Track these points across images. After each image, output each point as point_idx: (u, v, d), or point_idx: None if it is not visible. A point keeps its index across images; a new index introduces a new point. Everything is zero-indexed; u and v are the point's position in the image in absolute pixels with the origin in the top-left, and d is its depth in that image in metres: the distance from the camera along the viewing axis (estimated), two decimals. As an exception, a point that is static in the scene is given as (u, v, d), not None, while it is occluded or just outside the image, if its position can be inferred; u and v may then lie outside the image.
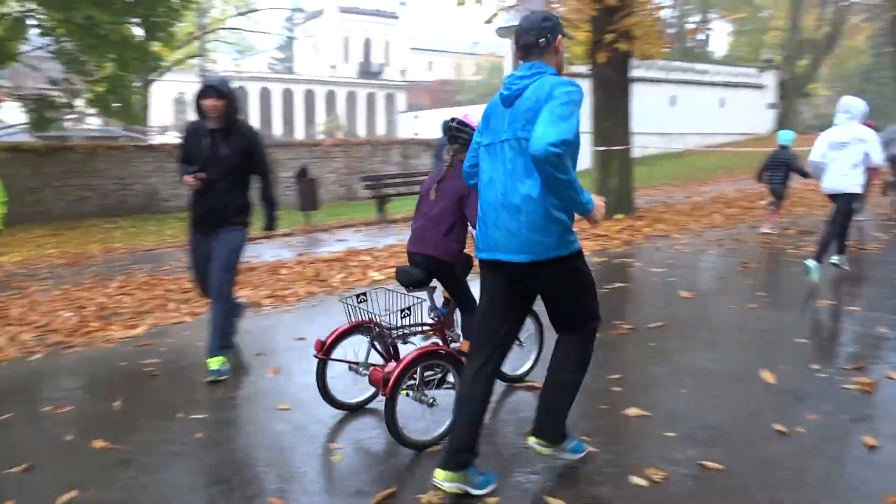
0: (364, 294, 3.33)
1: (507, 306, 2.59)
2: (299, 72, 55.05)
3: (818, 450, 2.93)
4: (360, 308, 3.24)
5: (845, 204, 6.00)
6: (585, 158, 22.40)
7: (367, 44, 57.87)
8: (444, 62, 61.73)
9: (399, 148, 20.98)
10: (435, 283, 3.40)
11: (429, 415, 3.20)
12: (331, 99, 51.66)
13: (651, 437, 3.11)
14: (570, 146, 2.26)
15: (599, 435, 3.13)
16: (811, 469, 2.76)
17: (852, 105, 6.07)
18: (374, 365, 3.28)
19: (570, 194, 2.33)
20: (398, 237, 9.75)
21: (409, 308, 3.19)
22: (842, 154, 5.93)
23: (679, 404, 3.46)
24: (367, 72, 56.13)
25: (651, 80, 29.46)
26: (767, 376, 3.77)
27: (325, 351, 3.29)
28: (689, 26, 40.13)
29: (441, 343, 3.43)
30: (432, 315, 3.47)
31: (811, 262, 5.93)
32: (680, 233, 9.33)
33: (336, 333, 3.31)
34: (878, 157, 5.95)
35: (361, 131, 50.29)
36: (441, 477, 2.51)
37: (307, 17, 57.92)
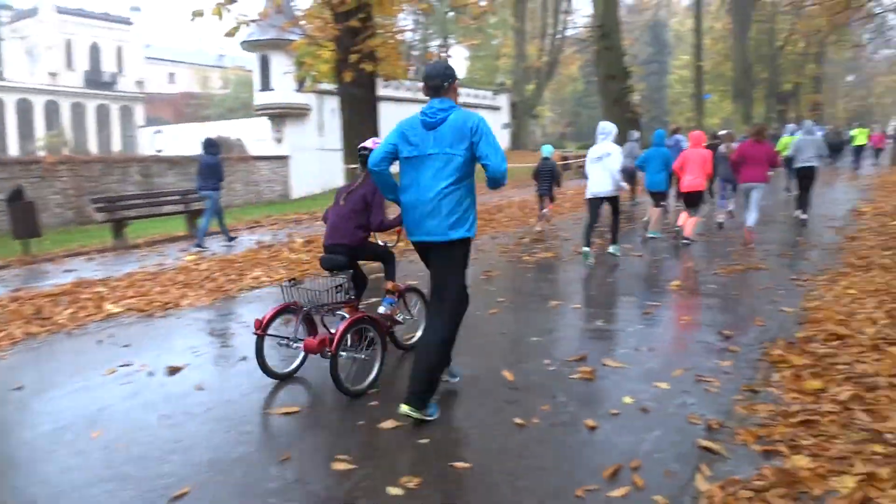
0: (295, 279, 4.17)
1: (432, 269, 3.54)
2: (11, 78, 47.91)
3: (550, 436, 3.28)
4: (295, 289, 4.01)
5: (614, 203, 7.91)
6: (337, 176, 22.39)
7: (96, 50, 52.33)
8: (186, 74, 58.16)
9: (139, 166, 19.28)
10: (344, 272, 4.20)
11: (358, 368, 4.03)
12: (52, 110, 45.71)
13: (405, 447, 3.23)
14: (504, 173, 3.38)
15: (356, 451, 3.18)
16: (545, 454, 3.09)
17: (607, 127, 7.84)
18: (302, 339, 3.97)
19: (498, 183, 3.41)
20: (140, 263, 8.94)
21: (340, 286, 4.08)
22: (598, 166, 7.73)
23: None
24: (97, 81, 50.69)
25: (400, 100, 30.79)
26: (508, 375, 4.13)
27: (263, 328, 3.95)
28: (431, 50, 42.72)
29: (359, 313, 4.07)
30: (350, 294, 4.19)
31: (587, 252, 7.82)
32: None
33: (271, 313, 3.99)
34: (618, 173, 7.67)
35: (92, 147, 45.24)
36: (406, 409, 3.35)
37: (16, 17, 50.72)
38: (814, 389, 3.69)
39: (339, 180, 19.38)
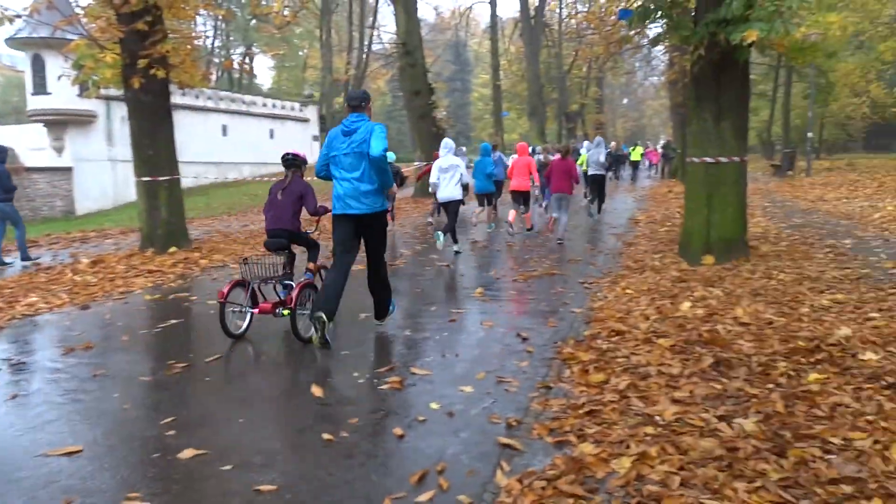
0: (247, 259, 5.53)
1: (349, 241, 5.07)
2: None
3: (359, 449, 3.28)
4: (247, 266, 5.46)
5: (455, 208, 9.77)
6: (130, 190, 20.64)
7: None
8: (-60, 72, 50.46)
9: None
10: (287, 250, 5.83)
11: (306, 321, 5.17)
12: None
13: (206, 475, 3.05)
14: (385, 154, 4.84)
15: (150, 487, 2.94)
16: (353, 467, 3.08)
17: (449, 143, 10.21)
18: (251, 306, 5.43)
19: (386, 177, 4.94)
20: None
21: (287, 264, 5.70)
22: (449, 176, 9.72)
23: (235, 435, 3.48)
24: None
25: (202, 109, 29.18)
26: (317, 391, 4.07)
27: (224, 298, 5.16)
28: (236, 58, 41.11)
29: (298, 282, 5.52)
30: (288, 269, 5.78)
31: (439, 234, 9.48)
32: (237, 262, 9.44)
33: (229, 286, 5.23)
34: (468, 178, 10.12)
35: None
36: (316, 336, 4.81)
37: None
38: (598, 382, 4.08)
39: (130, 195, 17.92)
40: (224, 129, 30.57)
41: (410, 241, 11.19)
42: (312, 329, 4.88)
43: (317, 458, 3.18)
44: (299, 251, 6.17)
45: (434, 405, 3.83)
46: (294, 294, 5.19)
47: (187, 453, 3.25)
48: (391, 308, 5.67)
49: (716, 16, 6.84)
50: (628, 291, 6.56)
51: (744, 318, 5.21)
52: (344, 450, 3.27)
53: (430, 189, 10.42)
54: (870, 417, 3.30)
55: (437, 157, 10.31)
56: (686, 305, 5.69)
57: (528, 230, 11.71)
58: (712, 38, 7.02)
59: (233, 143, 30.78)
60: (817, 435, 3.15)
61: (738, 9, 6.33)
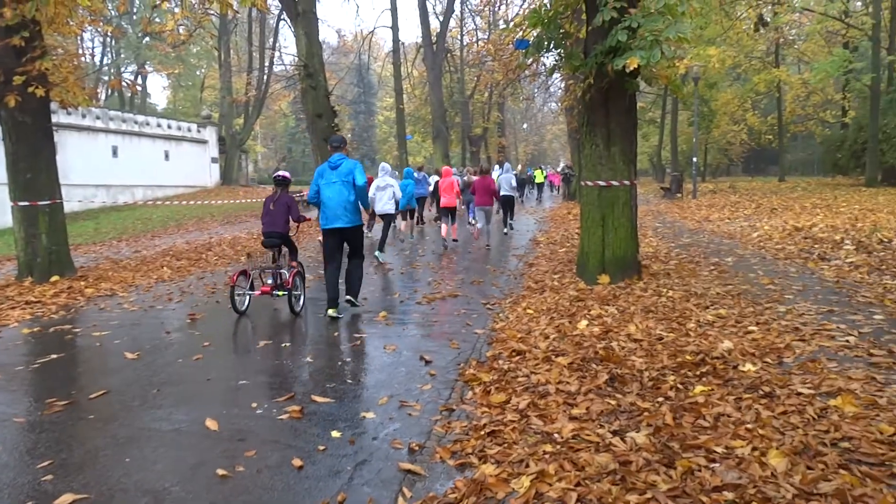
0: (250, 254, 10.73)
1: (338, 247, 6.90)
2: None
3: (256, 483, 3.16)
4: (254, 259, 9.88)
5: (388, 220, 11.98)
6: (7, 215, 19.46)
7: None
8: None
9: None
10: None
11: (298, 299, 7.27)
12: None
13: (87, 522, 2.85)
14: (366, 185, 6.94)
15: (22, 539, 2.71)
16: (249, 503, 2.97)
17: (386, 167, 12.24)
18: (252, 291, 7.42)
19: (364, 200, 6.92)
20: None
21: (280, 257, 7.59)
22: (384, 193, 11.91)
23: (121, 476, 3.28)
24: None
25: (90, 129, 27.70)
26: (212, 424, 3.91)
27: (234, 282, 7.02)
28: (127, 76, 39.38)
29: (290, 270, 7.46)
30: (281, 261, 7.65)
31: (378, 253, 11.28)
32: (127, 290, 8.97)
33: (236, 274, 7.10)
34: (399, 194, 12.10)
35: None
36: (332, 311, 6.77)
37: None
38: (499, 402, 4.14)
39: (8, 220, 16.67)
40: (114, 151, 29.13)
41: (314, 265, 11.01)
42: (329, 311, 6.90)
43: (211, 497, 3.04)
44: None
45: (335, 433, 3.75)
46: (290, 278, 7.19)
47: (65, 499, 3.02)
48: (357, 293, 7.29)
49: (603, 46, 7.21)
50: (529, 311, 6.72)
51: (636, 335, 5.45)
52: (240, 486, 3.14)
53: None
54: (749, 426, 3.52)
55: (371, 179, 12.36)
56: (583, 324, 5.89)
57: (454, 241, 13.79)
58: (600, 67, 7.39)
59: (124, 165, 29.36)
60: (702, 445, 3.32)
61: (622, 38, 6.71)
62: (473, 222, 15.61)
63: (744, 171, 57.96)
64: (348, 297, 7.13)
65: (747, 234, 12.90)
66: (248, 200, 27.93)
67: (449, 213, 13.71)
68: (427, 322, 6.62)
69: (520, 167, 30.75)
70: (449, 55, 39.78)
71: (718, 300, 6.81)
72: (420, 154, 63.09)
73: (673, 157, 37.67)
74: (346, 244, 7.11)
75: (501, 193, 15.41)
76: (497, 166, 24.72)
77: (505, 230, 15.68)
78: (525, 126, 71.90)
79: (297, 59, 22.24)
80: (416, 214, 14.82)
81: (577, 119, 19.86)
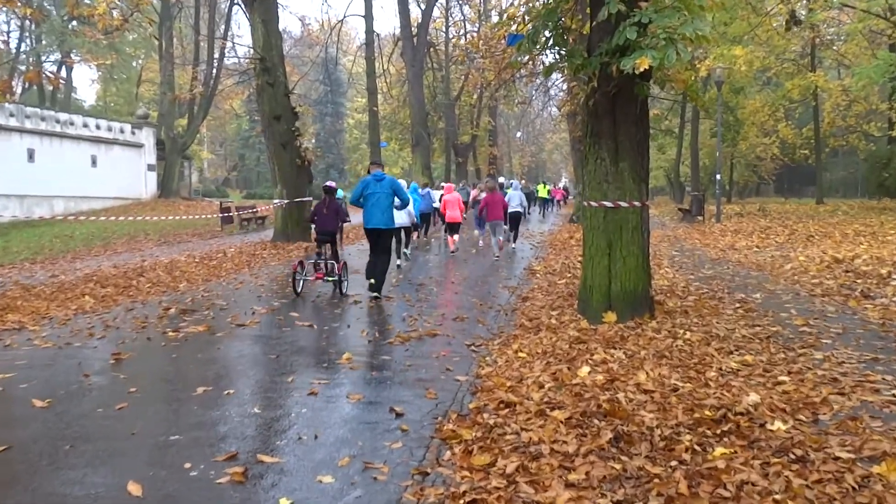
0: (307, 247, 16.54)
1: (377, 241, 10.89)
2: None
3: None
4: (306, 254, 14.98)
5: (405, 231, 15.62)
6: None
7: None
8: None
9: None
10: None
11: (345, 283, 11.20)
12: None
13: None
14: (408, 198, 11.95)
15: None
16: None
17: (414, 184, 17.21)
18: (309, 276, 11.40)
19: (407, 204, 11.75)
20: None
21: (332, 251, 11.46)
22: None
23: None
24: None
25: (2, 129, 27.54)
26: (135, 489, 3.84)
27: (296, 268, 11.07)
28: (50, 66, 39.30)
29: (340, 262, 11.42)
30: (332, 252, 11.47)
31: (404, 251, 15.20)
32: (39, 324, 8.86)
33: (297, 262, 11.38)
34: (411, 210, 15.71)
35: None
36: (373, 291, 10.58)
37: None
38: (483, 465, 4.11)
39: None
40: (30, 155, 28.92)
41: (267, 296, 10.97)
42: (369, 289, 10.63)
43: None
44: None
45: (284, 501, 3.71)
46: (339, 268, 11.15)
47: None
48: (382, 283, 10.84)
49: (608, 45, 7.31)
50: (521, 355, 6.72)
51: (647, 385, 5.46)
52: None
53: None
54: (778, 496, 3.52)
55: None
56: (584, 371, 5.90)
57: (453, 252, 17.41)
58: (606, 68, 7.50)
59: (42, 171, 29.13)
60: (723, 518, 3.31)
61: (631, 35, 6.79)
62: (478, 235, 19.50)
63: (776, 191, 58.86)
64: (371, 280, 10.70)
65: (779, 265, 13.05)
66: (191, 217, 27.85)
67: (455, 227, 17.96)
68: (400, 366, 6.59)
69: (523, 182, 34.66)
70: (432, 50, 40.21)
71: (744, 344, 6.86)
72: (397, 164, 63.40)
73: (693, 173, 38.20)
74: (377, 242, 10.90)
75: (510, 210, 18.12)
76: (511, 181, 28.06)
77: (511, 246, 18.56)
78: (520, 134, 72.71)
79: (252, 50, 22.38)
80: (419, 229, 18.80)
81: (579, 128, 20.13)
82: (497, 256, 16.40)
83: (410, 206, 14.77)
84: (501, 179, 28.64)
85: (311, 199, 21.28)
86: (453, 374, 6.25)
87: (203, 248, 19.52)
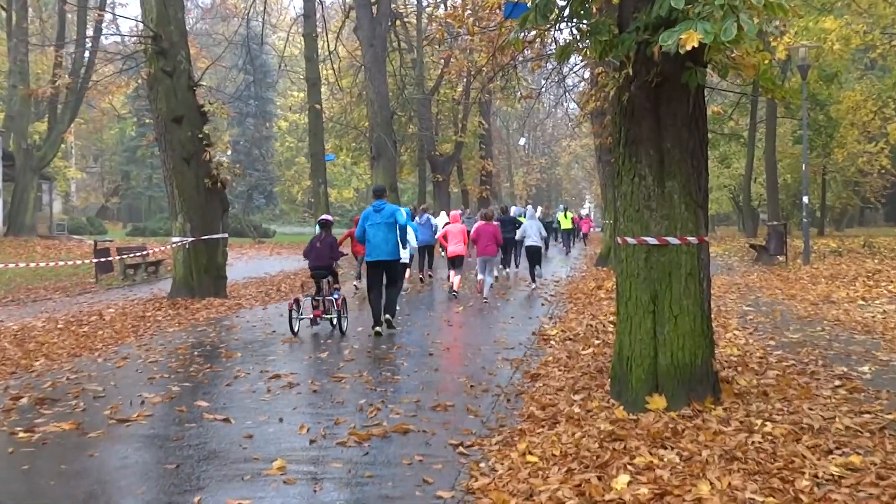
0: (304, 284, 21.19)
1: (379, 277, 15.30)
2: None
3: None
4: (307, 289, 18.44)
5: (400, 269, 17.29)
6: None
7: None
8: None
9: None
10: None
11: (344, 321, 15.10)
12: None
13: None
14: (407, 224, 17.45)
15: None
16: None
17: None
18: (305, 315, 15.19)
19: (405, 234, 16.01)
20: None
21: (330, 287, 15.53)
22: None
23: None
24: None
25: None
26: None
27: (292, 306, 14.99)
28: None
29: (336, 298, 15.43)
30: (329, 289, 15.57)
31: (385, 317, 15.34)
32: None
33: (294, 300, 15.23)
34: (414, 242, 20.87)
35: None
36: (377, 328, 14.70)
37: None
38: None
39: None
40: None
41: (163, 378, 10.88)
42: (375, 328, 14.39)
43: None
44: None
45: None
46: (338, 304, 14.65)
47: None
48: (394, 314, 15.20)
49: (647, 16, 7.40)
50: (531, 459, 6.70)
51: (712, 501, 5.44)
52: None
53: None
54: None
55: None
56: (622, 481, 5.87)
57: (454, 294, 20.21)
58: (644, 49, 7.58)
59: None
60: None
61: (678, 2, 6.75)
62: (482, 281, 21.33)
63: (886, 218, 59.42)
64: (386, 315, 14.79)
65: (894, 325, 13.13)
66: (53, 263, 27.57)
67: (457, 261, 20.92)
68: (354, 478, 6.56)
69: (541, 209, 40.33)
70: (398, 24, 40.48)
71: (848, 439, 6.86)
72: (350, 185, 63.56)
73: (770, 194, 38.62)
74: (385, 274, 14.90)
75: (527, 243, 21.93)
76: (526, 208, 30.38)
77: (533, 285, 22.09)
78: (524, 142, 73.35)
79: (141, 25, 22.46)
80: (409, 268, 22.13)
81: (609, 133, 20.25)
82: (486, 300, 19.22)
83: (412, 239, 19.07)
84: (515, 209, 30.62)
85: (225, 235, 21.27)
86: (433, 489, 6.21)
87: (70, 309, 19.43)
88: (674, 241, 8.11)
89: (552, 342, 13.08)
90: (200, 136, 20.52)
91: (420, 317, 17.01)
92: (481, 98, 44.85)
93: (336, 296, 15.17)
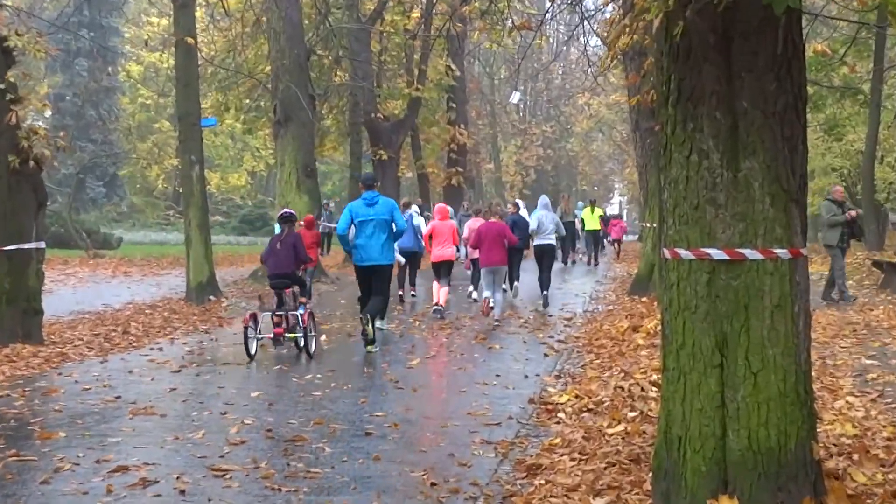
0: (261, 296, 24.65)
1: (369, 281, 22.56)
2: None
3: None
4: (266, 302, 23.13)
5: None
6: None
7: None
8: None
9: None
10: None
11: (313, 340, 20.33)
12: None
13: None
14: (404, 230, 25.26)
15: None
16: None
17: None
18: (262, 335, 20.66)
19: (400, 236, 23.47)
20: None
21: (295, 299, 21.45)
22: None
23: None
24: None
25: None
26: None
27: (247, 322, 19.89)
28: None
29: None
30: (294, 302, 21.51)
31: (379, 323, 22.24)
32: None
33: (250, 315, 19.99)
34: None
35: None
36: (370, 348, 21.13)
37: None
38: None
39: None
40: None
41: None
42: (367, 347, 20.18)
43: None
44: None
45: None
46: (304, 318, 18.95)
47: None
48: (383, 325, 22.96)
49: None
50: None
51: None
52: None
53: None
54: None
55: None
56: None
57: (439, 309, 24.29)
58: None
59: None
60: None
61: None
62: (472, 293, 26.87)
63: None
64: (378, 324, 19.96)
65: None
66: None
67: (444, 268, 24.78)
68: None
69: (563, 204, 44.91)
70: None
71: None
72: (244, 163, 63.64)
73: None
74: (371, 280, 20.02)
75: (537, 242, 25.96)
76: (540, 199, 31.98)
77: (543, 306, 25.53)
78: (517, 97, 72.77)
79: None
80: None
81: (650, 84, 20.26)
82: (497, 321, 23.09)
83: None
84: (544, 207, 31.77)
85: (41, 245, 21.13)
86: None
87: None
88: (753, 254, 8.12)
89: (561, 414, 13.08)
90: (1, 86, 20.44)
91: (364, 367, 17.06)
92: (450, 29, 44.81)
93: (302, 310, 17.70)
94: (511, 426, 12.59)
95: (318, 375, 16.65)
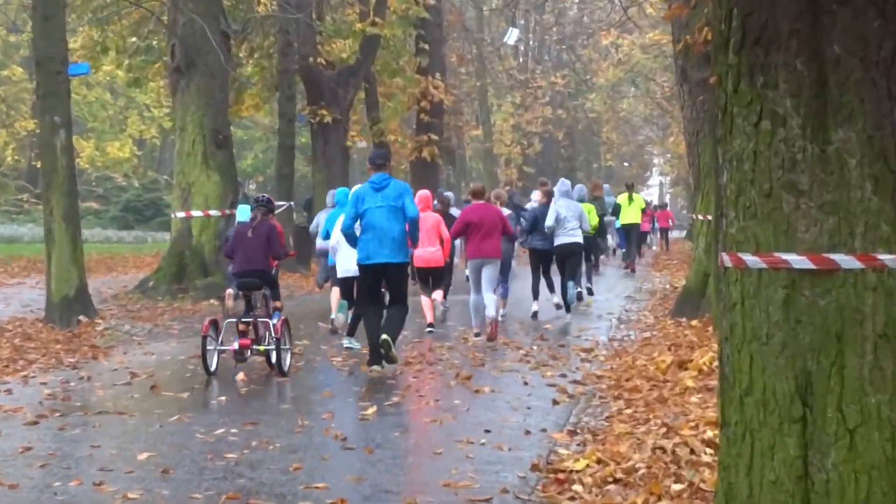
0: (223, 297, 32.28)
1: (378, 287, 27.14)
2: None
3: None
4: (233, 307, 28.11)
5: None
6: None
7: None
8: None
9: None
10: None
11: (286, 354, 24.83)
12: None
13: None
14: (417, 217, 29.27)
15: None
16: None
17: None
18: (234, 342, 25.18)
19: (417, 232, 27.49)
20: None
21: (267, 303, 26.40)
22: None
23: None
24: None
25: None
26: None
27: (206, 330, 24.77)
28: None
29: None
30: (266, 307, 26.38)
31: (346, 340, 28.53)
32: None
33: (209, 321, 24.71)
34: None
35: None
36: (375, 368, 25.33)
37: None
38: None
39: None
40: None
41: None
42: (372, 367, 23.70)
43: None
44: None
45: None
46: (277, 328, 22.13)
47: None
48: (353, 343, 27.66)
49: None
50: None
51: None
52: None
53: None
54: None
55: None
56: None
57: (430, 327, 27.99)
58: None
59: None
60: None
61: None
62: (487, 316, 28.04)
63: None
64: (384, 336, 21.41)
65: None
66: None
67: (430, 276, 28.21)
68: None
69: (589, 187, 46.90)
70: None
71: None
72: (129, 127, 64.12)
73: None
74: (386, 285, 23.51)
75: (558, 242, 28.25)
76: (561, 183, 33.84)
77: (567, 315, 28.50)
78: (514, 38, 72.73)
79: None
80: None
81: (703, 21, 20.45)
82: (492, 339, 26.00)
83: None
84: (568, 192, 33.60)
85: None
86: None
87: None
88: (849, 261, 8.12)
89: (577, 487, 13.09)
90: None
91: (297, 416, 17.13)
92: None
93: (276, 318, 19.61)
94: (516, 496, 12.58)
95: (233, 430, 16.33)
